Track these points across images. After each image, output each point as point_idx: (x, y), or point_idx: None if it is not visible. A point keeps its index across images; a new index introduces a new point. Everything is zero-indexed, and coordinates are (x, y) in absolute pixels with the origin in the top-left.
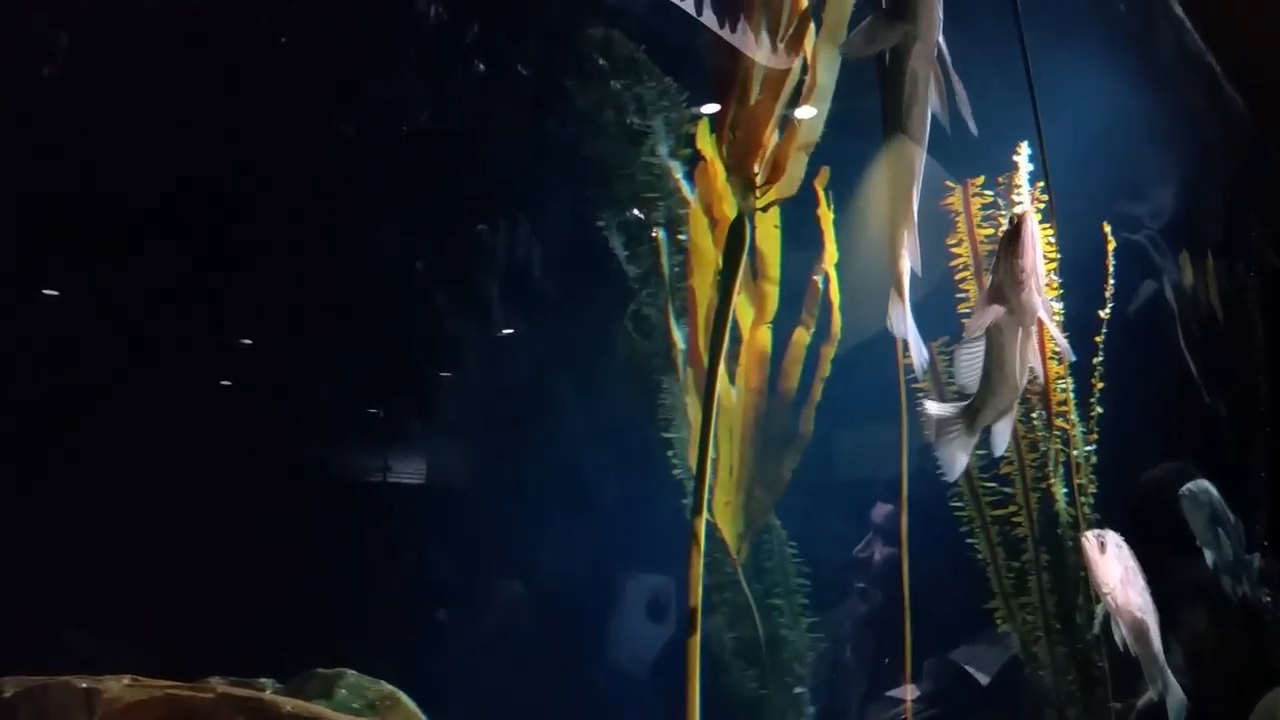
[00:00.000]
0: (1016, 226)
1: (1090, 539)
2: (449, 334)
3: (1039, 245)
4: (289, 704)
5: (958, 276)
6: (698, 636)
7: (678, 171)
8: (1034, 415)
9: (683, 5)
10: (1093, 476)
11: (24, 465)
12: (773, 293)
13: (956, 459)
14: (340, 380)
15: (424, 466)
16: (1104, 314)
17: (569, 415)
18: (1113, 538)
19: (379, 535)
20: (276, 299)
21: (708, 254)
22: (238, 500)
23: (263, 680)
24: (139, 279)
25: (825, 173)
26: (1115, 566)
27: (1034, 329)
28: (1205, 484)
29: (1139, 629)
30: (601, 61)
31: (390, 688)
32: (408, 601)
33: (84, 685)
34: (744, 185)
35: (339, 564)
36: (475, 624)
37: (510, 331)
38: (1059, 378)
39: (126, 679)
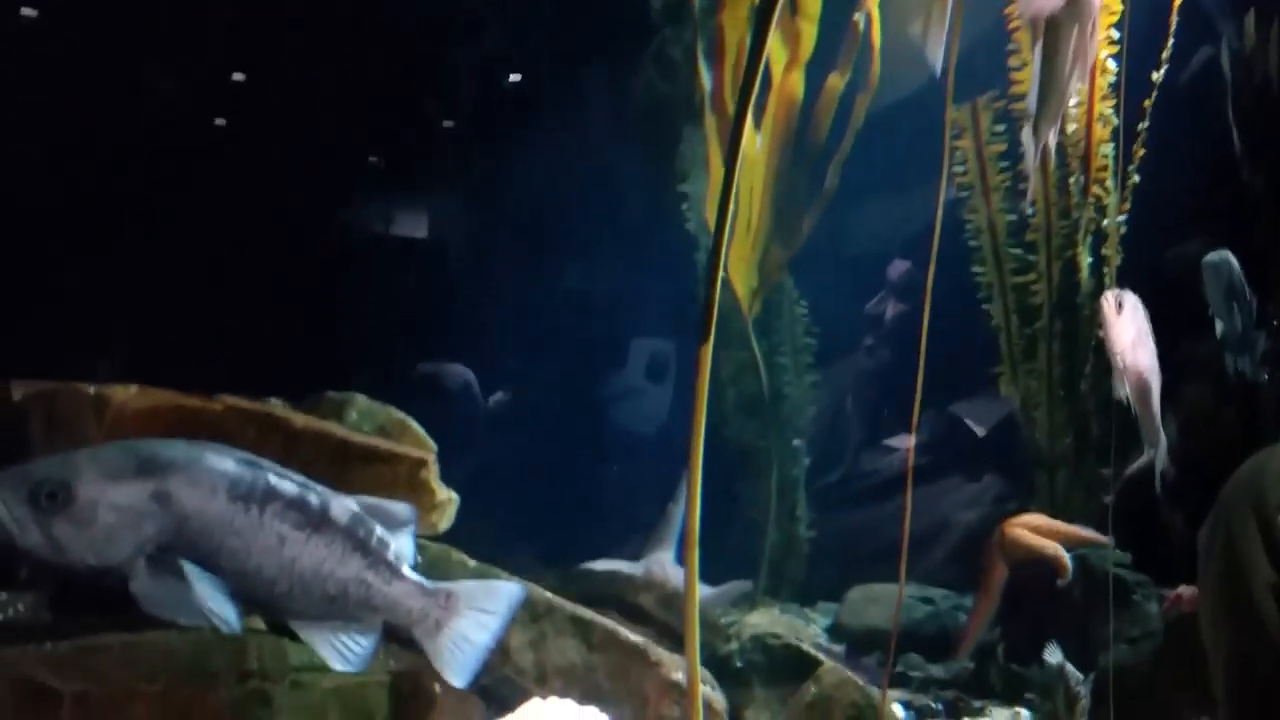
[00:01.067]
0: None
1: (1109, 298)
2: (454, 80)
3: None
4: (300, 419)
5: (1010, 27)
6: (705, 390)
7: None
8: (1071, 180)
9: None
10: (1119, 247)
11: (32, 187)
12: (810, 32)
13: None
14: (348, 126)
15: (432, 214)
16: (1157, 77)
17: (579, 164)
18: (1130, 298)
19: (385, 279)
20: (283, 40)
21: None
22: (256, 231)
23: (272, 400)
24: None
25: None
26: (1129, 327)
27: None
28: (1228, 254)
29: (1143, 389)
30: None
31: (400, 414)
32: (419, 343)
33: (92, 391)
34: None
35: (349, 301)
36: (481, 367)
37: (518, 77)
38: (1102, 142)
39: (134, 388)
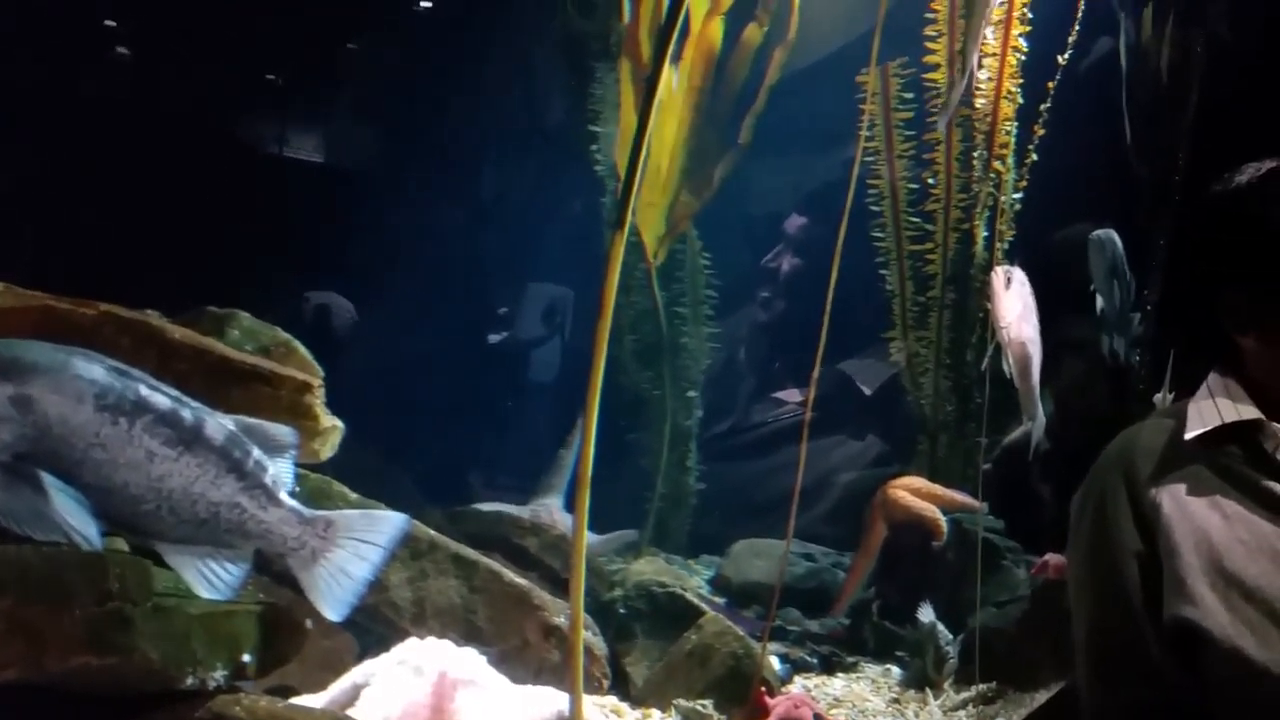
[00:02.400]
0: None
1: (999, 272)
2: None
3: None
4: (178, 332)
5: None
6: (605, 337)
7: None
8: (974, 155)
9: None
10: (1013, 223)
11: None
12: None
13: None
14: (246, 41)
15: (331, 136)
16: (1062, 60)
17: (488, 95)
18: (1018, 274)
19: (281, 200)
20: None
21: None
22: (147, 151)
23: (150, 312)
24: None
25: None
26: (1016, 302)
27: None
28: (1112, 233)
29: (1025, 362)
30: None
31: (285, 335)
32: (310, 266)
33: None
34: None
35: (237, 218)
36: (374, 300)
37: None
38: (1007, 119)
39: (0, 285)
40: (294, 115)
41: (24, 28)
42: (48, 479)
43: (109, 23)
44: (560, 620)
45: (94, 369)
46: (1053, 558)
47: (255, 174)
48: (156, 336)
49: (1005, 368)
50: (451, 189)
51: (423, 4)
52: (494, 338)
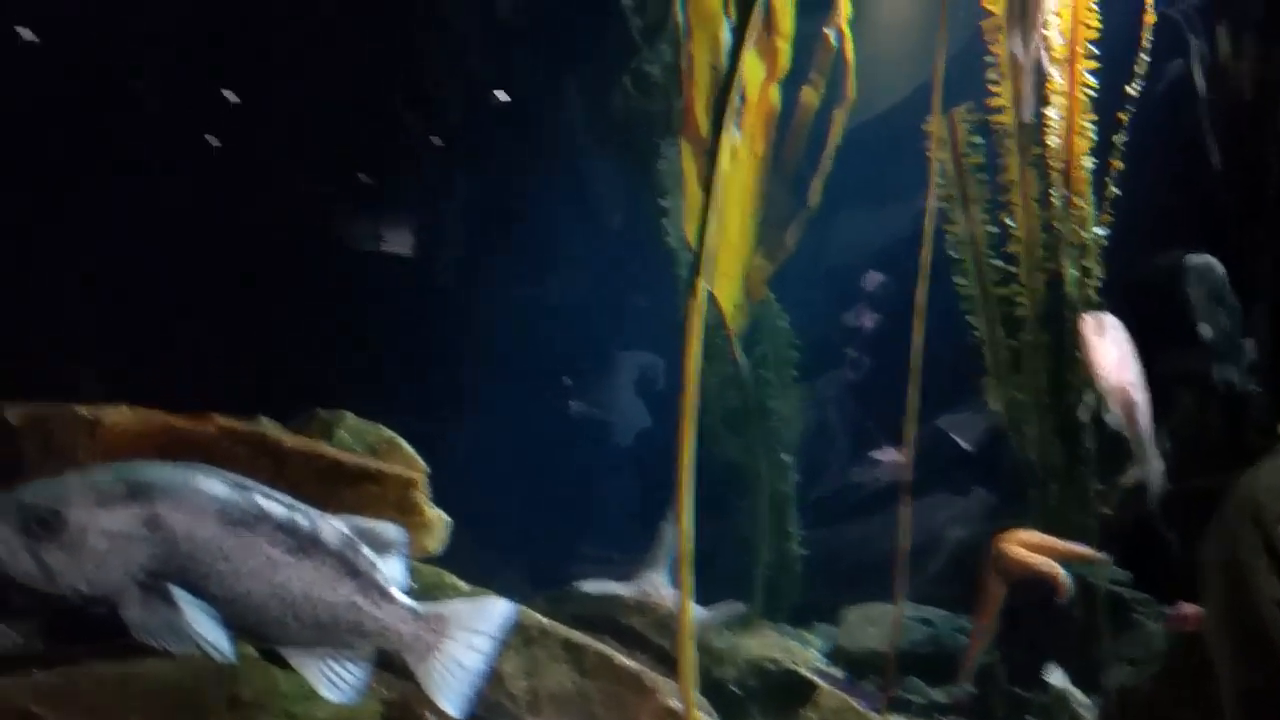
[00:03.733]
0: None
1: (1088, 321)
2: (442, 98)
3: None
4: (290, 439)
5: (986, 36)
6: (694, 405)
7: None
8: (1052, 193)
9: None
10: (1100, 259)
11: (27, 206)
12: (785, 49)
13: None
14: (335, 145)
15: (418, 234)
16: (1132, 90)
17: (562, 180)
18: (1110, 320)
19: (373, 295)
20: (274, 61)
21: (711, 6)
22: (244, 253)
23: (261, 419)
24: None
25: None
26: (1111, 349)
27: None
28: (1211, 258)
29: (1130, 409)
30: None
31: (389, 432)
32: (406, 360)
33: (85, 412)
34: None
35: (337, 319)
36: (469, 387)
37: (504, 97)
38: (1082, 155)
39: (126, 408)
40: (386, 213)
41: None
42: (179, 593)
43: (211, 139)
44: (675, 702)
45: (215, 484)
46: (1189, 608)
47: (349, 270)
48: (270, 446)
49: (1108, 418)
50: (532, 269)
51: (500, 98)
52: (585, 410)
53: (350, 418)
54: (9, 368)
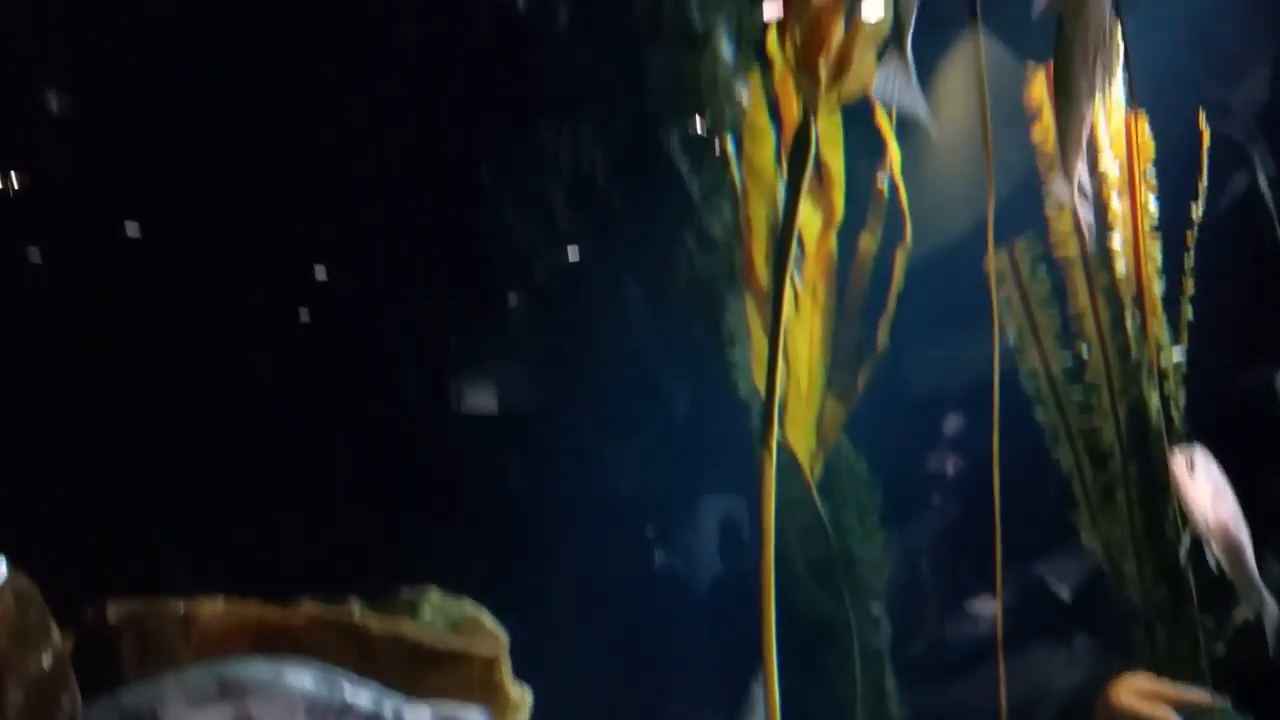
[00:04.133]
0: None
1: (1179, 459)
2: (513, 255)
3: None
4: (376, 623)
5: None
6: (771, 556)
7: (741, 78)
8: (1126, 320)
9: None
10: (1182, 384)
11: (114, 389)
12: (837, 200)
13: None
14: (411, 306)
15: (494, 389)
16: (1196, 213)
17: (632, 336)
18: (1201, 456)
19: (456, 458)
20: (345, 221)
21: (764, 167)
22: (325, 427)
23: (351, 602)
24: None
25: (874, 70)
26: (1205, 485)
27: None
28: None
29: (1232, 548)
30: None
31: (472, 608)
32: (486, 522)
33: (180, 610)
34: (809, 85)
35: (420, 485)
36: (550, 546)
37: (575, 255)
38: (1152, 280)
39: (220, 602)
40: (465, 373)
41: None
42: None
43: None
44: None
45: (304, 678)
46: None
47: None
48: (358, 633)
49: (1210, 559)
50: (610, 424)
51: (570, 259)
52: (669, 562)
53: (434, 594)
54: (107, 559)
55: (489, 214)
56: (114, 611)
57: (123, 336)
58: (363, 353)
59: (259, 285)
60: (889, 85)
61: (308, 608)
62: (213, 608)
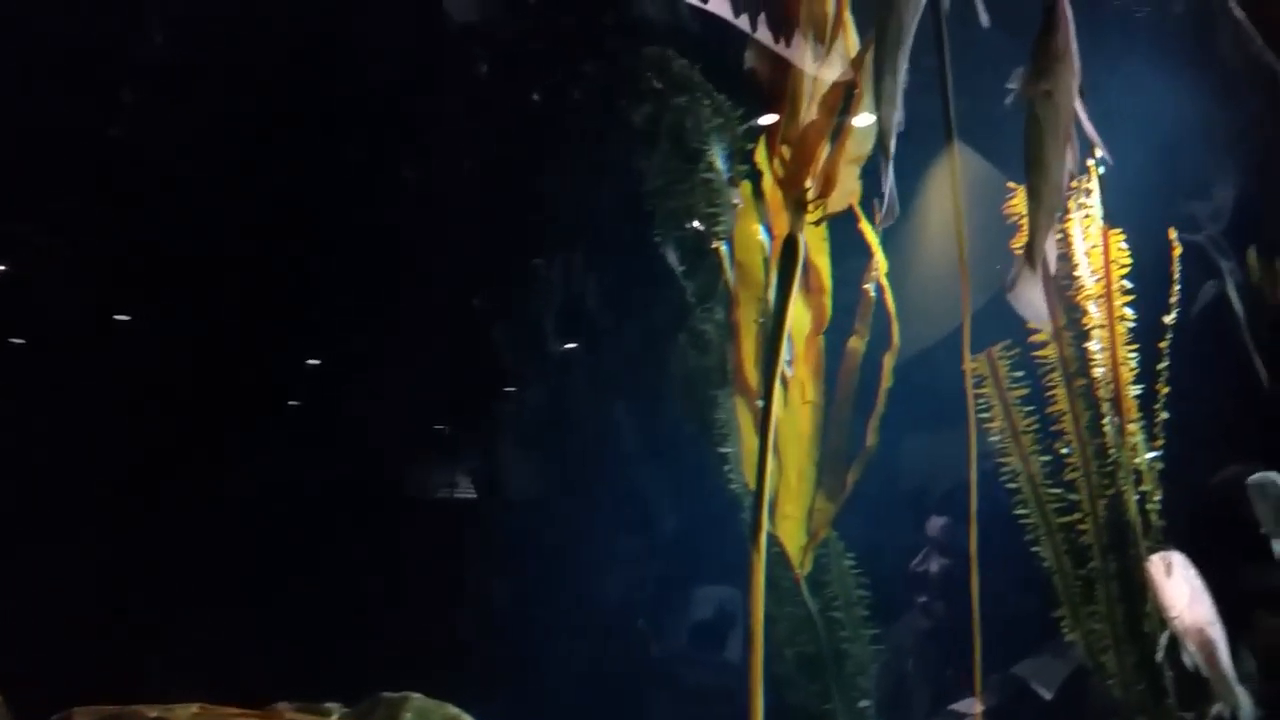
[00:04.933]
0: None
1: (1156, 563)
2: (509, 353)
3: None
4: None
5: None
6: (760, 651)
7: (733, 187)
8: (1104, 422)
9: (736, 22)
10: (1158, 483)
11: (89, 484)
12: (826, 304)
13: None
14: (400, 405)
15: (483, 485)
16: (1169, 320)
17: (627, 433)
18: (1178, 559)
19: (442, 559)
20: (345, 327)
21: (754, 272)
22: (303, 529)
23: (329, 705)
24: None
25: (858, 187)
26: (1182, 587)
27: None
28: (1272, 475)
29: (1208, 649)
30: (656, 83)
31: (456, 711)
32: (473, 625)
33: (154, 715)
34: (796, 200)
35: (403, 589)
36: (539, 645)
37: (569, 351)
38: (1127, 384)
39: (195, 708)
40: (459, 459)
41: None
42: None
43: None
44: None
45: None
46: None
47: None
48: None
49: (1186, 659)
50: (602, 516)
51: (567, 345)
52: (663, 654)
53: (416, 699)
54: (80, 664)
55: (486, 310)
56: (82, 717)
57: (98, 430)
58: (349, 447)
59: (244, 374)
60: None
61: (285, 712)
62: (186, 713)
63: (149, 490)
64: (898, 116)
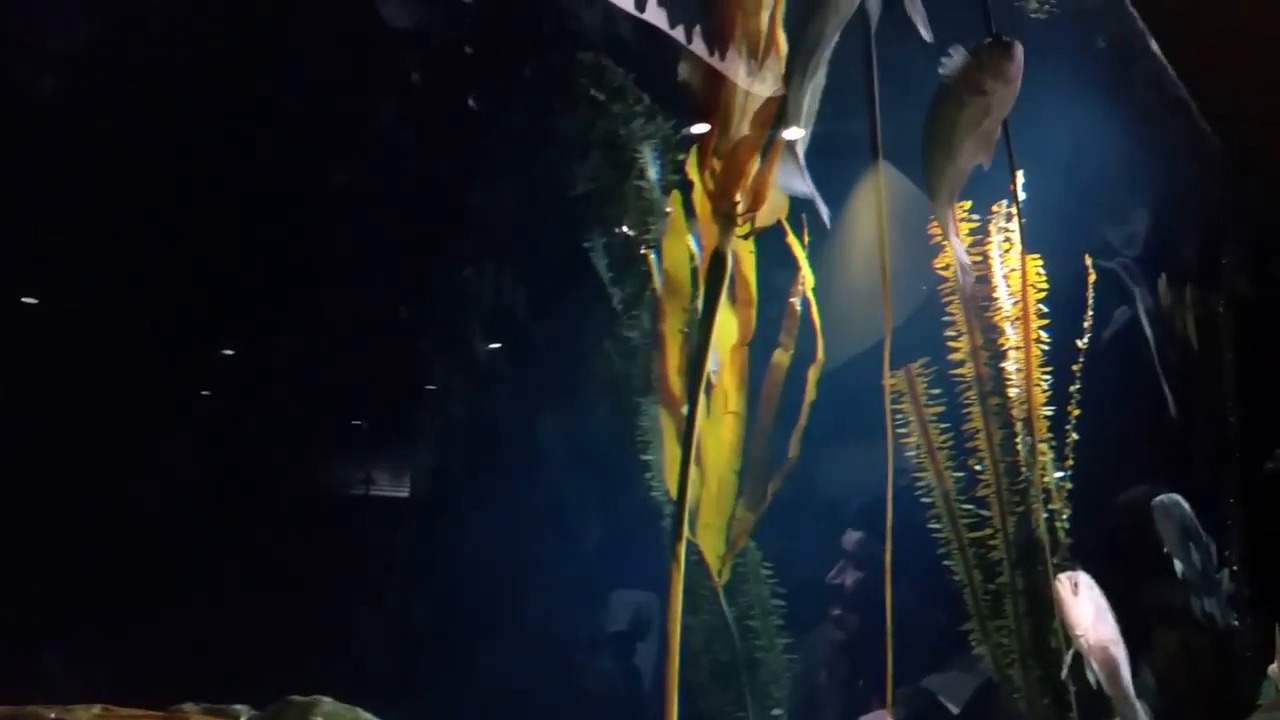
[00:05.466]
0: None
1: (1063, 581)
2: (433, 353)
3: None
4: None
5: (944, 299)
6: (676, 658)
7: (664, 196)
8: (1017, 441)
9: (672, 33)
10: (1067, 501)
11: None
12: (751, 316)
13: None
14: (318, 399)
15: (403, 487)
16: (1082, 343)
17: (548, 437)
18: (1084, 579)
19: (355, 558)
20: (271, 320)
21: (682, 282)
22: (210, 529)
23: (237, 707)
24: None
25: (786, 203)
26: (1087, 607)
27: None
28: (1176, 497)
29: (1110, 667)
30: (593, 91)
31: (366, 715)
32: (385, 626)
33: (52, 716)
34: (726, 213)
35: (314, 587)
36: (451, 650)
37: (494, 353)
38: (1041, 405)
39: (97, 708)
40: (375, 461)
41: None
42: None
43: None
44: None
45: None
46: None
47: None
48: None
49: (1090, 676)
50: (522, 520)
51: (490, 347)
52: (579, 661)
53: (327, 703)
54: None
55: (409, 308)
56: None
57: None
58: (260, 440)
59: (157, 366)
60: (784, 176)
61: (191, 714)
62: (87, 714)
63: (47, 486)
64: (809, 115)
